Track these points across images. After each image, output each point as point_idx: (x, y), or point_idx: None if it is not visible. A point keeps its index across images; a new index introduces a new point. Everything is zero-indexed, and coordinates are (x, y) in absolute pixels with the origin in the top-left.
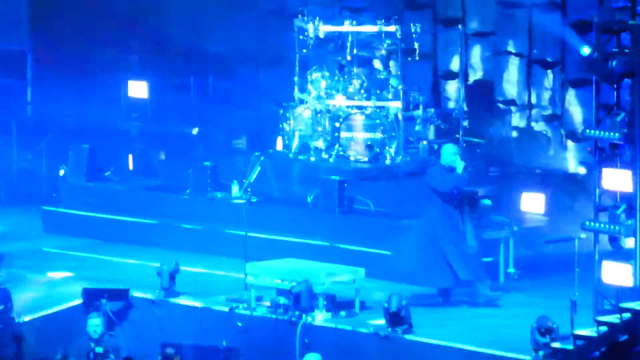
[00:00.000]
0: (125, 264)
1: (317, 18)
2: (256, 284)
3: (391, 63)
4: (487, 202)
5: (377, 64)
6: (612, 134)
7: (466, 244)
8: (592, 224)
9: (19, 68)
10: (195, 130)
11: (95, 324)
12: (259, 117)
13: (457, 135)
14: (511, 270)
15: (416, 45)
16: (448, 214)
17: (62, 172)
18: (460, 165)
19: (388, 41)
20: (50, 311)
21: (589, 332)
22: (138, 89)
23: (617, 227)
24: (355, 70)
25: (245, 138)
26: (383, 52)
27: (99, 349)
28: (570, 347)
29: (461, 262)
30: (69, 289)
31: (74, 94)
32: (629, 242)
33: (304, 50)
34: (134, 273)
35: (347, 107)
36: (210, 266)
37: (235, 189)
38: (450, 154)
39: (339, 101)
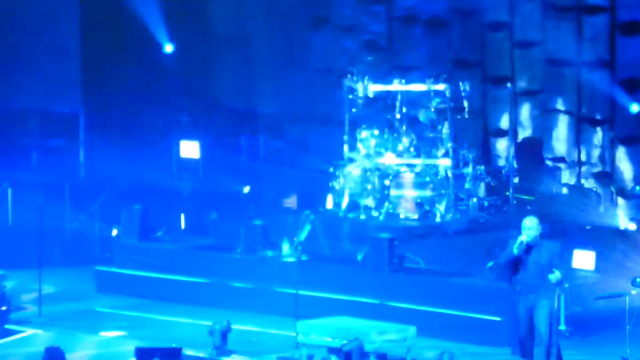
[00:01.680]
0: (177, 323)
1: (366, 77)
2: (307, 342)
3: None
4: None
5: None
6: None
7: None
8: None
9: (72, 130)
10: (246, 189)
11: None
12: (309, 175)
13: (507, 193)
14: (562, 327)
15: (465, 103)
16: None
17: (114, 233)
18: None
19: (437, 99)
20: None
21: None
22: (190, 149)
23: None
24: (404, 128)
25: (296, 196)
26: (423, 111)
27: None
28: None
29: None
30: (121, 349)
31: (126, 154)
32: None
33: (354, 109)
34: (186, 332)
35: (397, 165)
36: (261, 324)
37: (285, 248)
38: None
39: (389, 159)
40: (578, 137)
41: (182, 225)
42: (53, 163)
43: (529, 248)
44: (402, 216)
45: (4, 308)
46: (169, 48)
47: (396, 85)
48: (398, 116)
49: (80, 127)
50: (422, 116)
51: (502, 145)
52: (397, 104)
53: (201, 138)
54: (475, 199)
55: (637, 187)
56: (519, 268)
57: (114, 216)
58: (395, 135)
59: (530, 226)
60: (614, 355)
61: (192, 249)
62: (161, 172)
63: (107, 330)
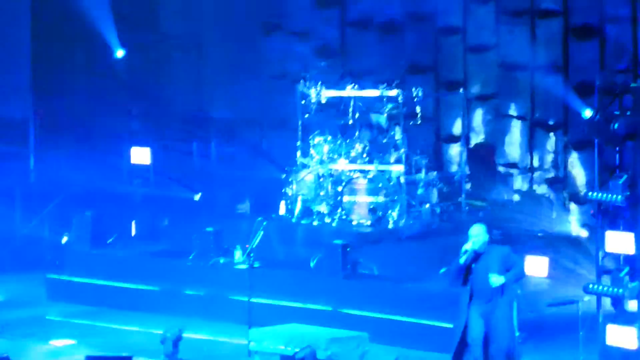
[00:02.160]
0: (128, 331)
1: (319, 83)
2: (260, 349)
3: (397, 128)
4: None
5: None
6: (614, 196)
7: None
8: (595, 286)
9: (22, 135)
10: (197, 196)
11: None
12: (262, 181)
13: (459, 199)
14: (516, 333)
15: (418, 109)
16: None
17: (65, 239)
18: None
19: (390, 105)
20: None
21: None
22: (141, 154)
23: (620, 290)
24: (357, 134)
25: (249, 203)
26: (377, 115)
27: None
28: None
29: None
30: (72, 358)
31: (77, 160)
32: (632, 305)
33: (307, 115)
34: (137, 340)
35: (350, 171)
36: (214, 332)
37: (238, 254)
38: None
39: (342, 165)
40: (531, 143)
41: (134, 232)
42: (3, 169)
43: (477, 256)
44: (355, 222)
45: None
46: (120, 53)
47: (349, 91)
48: (351, 122)
49: (30, 132)
50: (374, 119)
51: (454, 151)
52: (350, 109)
53: (152, 144)
54: (427, 205)
55: (590, 193)
56: (470, 277)
57: (65, 223)
58: (348, 141)
59: (476, 234)
60: None
61: (144, 256)
62: (112, 178)
63: (57, 338)
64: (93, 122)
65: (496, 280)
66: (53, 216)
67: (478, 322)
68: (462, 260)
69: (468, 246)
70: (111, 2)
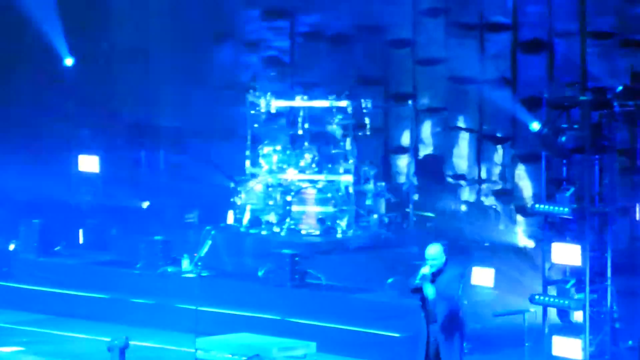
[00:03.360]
0: (76, 338)
1: (269, 93)
2: (207, 359)
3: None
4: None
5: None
6: (561, 208)
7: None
8: (541, 297)
9: None
10: (145, 204)
11: None
12: (211, 191)
13: (407, 210)
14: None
15: (367, 120)
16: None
17: (12, 247)
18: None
19: (339, 116)
20: None
21: None
22: (89, 163)
23: (566, 302)
24: (306, 144)
25: (197, 212)
26: (335, 126)
27: None
28: None
29: None
30: None
31: (24, 168)
32: (578, 316)
33: (256, 125)
34: (84, 348)
35: (299, 181)
36: (161, 341)
37: (185, 263)
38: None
39: (291, 175)
40: (479, 155)
41: (81, 240)
42: None
43: (433, 276)
44: (304, 232)
45: None
46: (69, 61)
47: (299, 101)
48: (300, 132)
49: None
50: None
51: (403, 162)
52: (300, 120)
53: (101, 152)
54: (376, 216)
55: (537, 205)
56: (424, 297)
57: (12, 230)
58: (297, 151)
59: (433, 255)
60: None
61: (92, 264)
62: (60, 186)
63: (4, 345)
64: (41, 130)
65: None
66: (0, 223)
67: (433, 344)
68: (417, 281)
69: (425, 270)
70: (60, 10)
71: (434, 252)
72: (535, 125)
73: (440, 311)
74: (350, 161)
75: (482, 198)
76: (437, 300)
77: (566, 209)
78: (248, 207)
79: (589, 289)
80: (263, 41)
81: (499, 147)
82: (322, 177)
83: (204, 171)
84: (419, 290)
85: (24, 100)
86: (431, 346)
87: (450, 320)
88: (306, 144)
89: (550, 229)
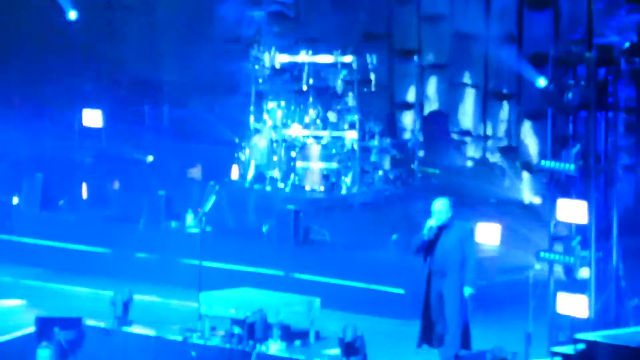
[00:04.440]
0: (78, 293)
1: (273, 48)
2: (210, 313)
3: (349, 94)
4: None
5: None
6: (567, 165)
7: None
8: (547, 254)
9: None
10: (149, 158)
11: (43, 355)
12: (215, 146)
13: (413, 166)
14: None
15: (372, 76)
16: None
17: (15, 201)
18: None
19: (344, 72)
20: (2, 338)
21: None
22: (92, 117)
23: (571, 258)
24: (311, 100)
25: (201, 167)
26: (339, 82)
27: None
28: None
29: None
30: (21, 318)
31: (28, 122)
32: (583, 273)
33: (260, 80)
34: (87, 302)
35: (303, 136)
36: (164, 295)
37: (189, 219)
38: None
39: (295, 131)
40: (484, 111)
41: (84, 195)
42: None
43: (439, 230)
44: (308, 188)
45: None
46: (72, 15)
47: (303, 56)
48: (305, 87)
49: None
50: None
51: (408, 119)
52: (304, 75)
53: (104, 106)
54: (380, 172)
55: (543, 162)
56: (430, 251)
57: (15, 184)
58: (302, 106)
59: (439, 209)
60: (517, 331)
61: (94, 219)
62: (63, 140)
63: (6, 299)
64: (44, 84)
65: (469, 291)
66: (3, 178)
67: (436, 298)
68: (425, 235)
69: (432, 222)
70: None
71: (441, 206)
72: (541, 82)
73: (447, 266)
74: (355, 117)
75: (488, 155)
76: (444, 254)
77: (572, 167)
78: (252, 163)
79: (595, 246)
80: None
81: (504, 103)
82: (326, 133)
83: (208, 126)
84: (424, 245)
85: (27, 54)
86: (435, 302)
87: (456, 275)
88: (310, 99)
89: (555, 186)
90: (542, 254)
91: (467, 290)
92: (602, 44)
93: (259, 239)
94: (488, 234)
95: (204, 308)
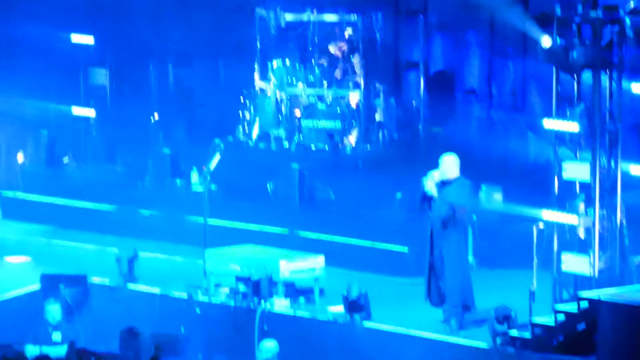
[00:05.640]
0: (83, 250)
1: (278, 7)
2: (215, 271)
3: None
4: None
5: (337, 52)
6: (572, 125)
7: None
8: (551, 213)
9: None
10: (155, 116)
11: (53, 310)
12: (220, 105)
13: (418, 126)
14: (470, 259)
15: (377, 35)
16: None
17: (20, 158)
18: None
19: (350, 31)
20: (7, 295)
21: (547, 320)
22: (98, 76)
23: (576, 217)
24: (316, 59)
25: (206, 126)
26: (344, 44)
27: (57, 335)
28: (528, 335)
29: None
30: (26, 275)
31: (33, 80)
32: (587, 232)
33: (265, 39)
34: (92, 259)
35: (309, 95)
36: (169, 253)
37: (194, 177)
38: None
39: (300, 90)
40: (490, 71)
41: (89, 153)
42: None
43: (443, 184)
44: (313, 147)
45: None
46: None
47: (308, 15)
48: (310, 47)
49: None
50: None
51: (413, 78)
52: (309, 34)
53: (110, 65)
54: (385, 132)
55: (547, 122)
56: (431, 205)
57: (21, 141)
58: (307, 65)
59: (446, 164)
60: (521, 289)
61: (100, 176)
62: (69, 98)
63: (12, 255)
64: (50, 42)
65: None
66: (9, 135)
67: (438, 256)
68: (425, 185)
69: (435, 174)
70: None
71: (448, 161)
72: (546, 41)
73: (450, 222)
74: (360, 76)
75: (493, 114)
76: (447, 210)
77: (577, 126)
78: (257, 121)
79: (599, 205)
80: None
81: (509, 63)
82: (331, 92)
83: (213, 85)
84: (424, 198)
85: (33, 10)
86: (437, 260)
87: (456, 233)
88: (315, 58)
89: (560, 146)
90: (546, 213)
91: (469, 253)
92: (607, 3)
93: (264, 197)
94: (492, 193)
95: (209, 265)
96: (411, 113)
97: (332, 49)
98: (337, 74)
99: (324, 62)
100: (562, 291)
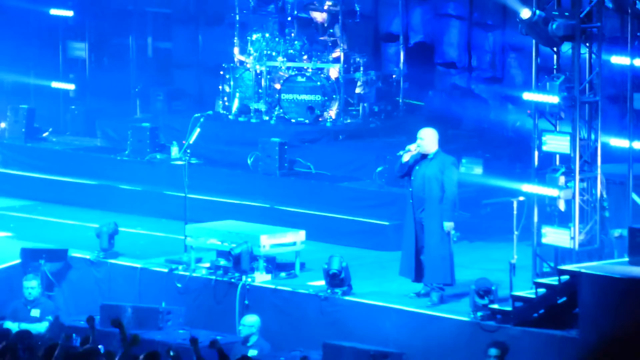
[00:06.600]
0: (64, 224)
1: None
2: (196, 245)
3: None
4: None
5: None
6: (551, 97)
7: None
8: (531, 186)
9: None
10: (136, 89)
11: (30, 285)
12: (199, 78)
13: (398, 98)
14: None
15: (357, 6)
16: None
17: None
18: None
19: (329, 2)
20: None
21: (528, 294)
22: (77, 49)
23: (555, 190)
24: (295, 31)
25: (185, 99)
26: (325, 15)
27: (35, 311)
28: (508, 308)
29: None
30: (7, 250)
31: (12, 54)
32: (567, 205)
33: (244, 11)
34: (72, 234)
35: (288, 68)
36: (150, 228)
37: (174, 151)
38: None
39: (280, 63)
40: (469, 43)
41: (68, 127)
42: None
43: (422, 158)
44: (293, 120)
45: None
46: None
47: None
48: (289, 19)
49: None
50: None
51: (393, 50)
52: (289, 6)
53: (89, 38)
54: (365, 104)
55: (527, 93)
56: (411, 179)
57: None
58: (287, 38)
59: (422, 137)
60: (501, 262)
61: (79, 151)
62: (48, 71)
63: None
64: (28, 15)
65: (448, 226)
66: None
67: (419, 229)
68: (402, 157)
69: (413, 147)
70: None
71: (426, 135)
72: (525, 13)
73: (427, 197)
74: (339, 49)
75: (472, 86)
76: (424, 185)
77: (556, 98)
78: (237, 95)
79: (579, 177)
80: None
81: (489, 34)
82: (311, 65)
83: (192, 58)
84: (402, 170)
85: None
86: (418, 233)
87: (436, 207)
88: (295, 31)
89: (540, 117)
90: (526, 185)
91: (445, 225)
92: None
93: (244, 171)
94: (472, 166)
95: (189, 240)
96: (391, 85)
97: (314, 14)
98: (317, 46)
99: (303, 34)
100: (543, 264)
